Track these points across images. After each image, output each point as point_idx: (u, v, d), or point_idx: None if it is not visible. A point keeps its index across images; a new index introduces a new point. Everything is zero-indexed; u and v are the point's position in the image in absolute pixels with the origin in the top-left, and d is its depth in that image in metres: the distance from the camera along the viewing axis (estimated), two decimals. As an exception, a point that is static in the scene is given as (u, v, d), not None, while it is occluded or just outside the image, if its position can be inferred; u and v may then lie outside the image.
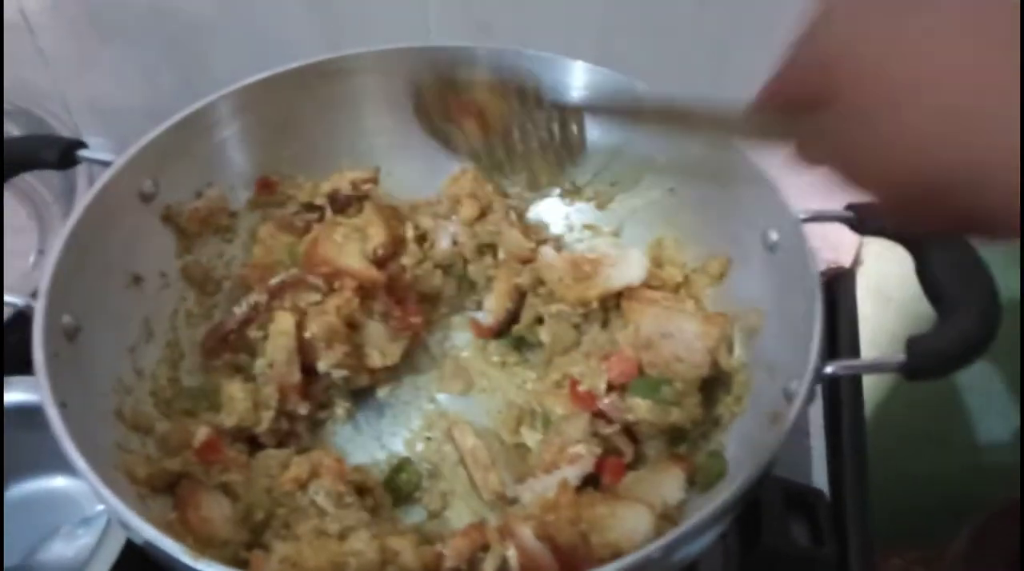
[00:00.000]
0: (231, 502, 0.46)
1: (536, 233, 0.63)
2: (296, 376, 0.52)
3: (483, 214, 0.63)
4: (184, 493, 0.45)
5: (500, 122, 0.46)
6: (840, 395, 0.69)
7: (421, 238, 0.62)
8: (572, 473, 0.50)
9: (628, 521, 0.45)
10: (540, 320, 0.60)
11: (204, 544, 0.43)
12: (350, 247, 0.58)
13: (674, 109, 0.38)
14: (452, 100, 0.47)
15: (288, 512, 0.47)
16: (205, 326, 0.57)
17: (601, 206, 0.65)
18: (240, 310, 0.53)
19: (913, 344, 0.42)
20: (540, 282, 0.60)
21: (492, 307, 0.62)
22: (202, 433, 0.47)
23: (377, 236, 0.58)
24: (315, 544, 0.43)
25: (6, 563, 0.53)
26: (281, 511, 0.47)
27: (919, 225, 0.23)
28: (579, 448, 0.51)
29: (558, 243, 0.64)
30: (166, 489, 0.46)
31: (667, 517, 0.46)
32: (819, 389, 0.70)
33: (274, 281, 0.54)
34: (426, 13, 0.76)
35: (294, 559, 0.42)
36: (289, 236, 0.59)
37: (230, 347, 0.54)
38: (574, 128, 0.46)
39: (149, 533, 0.37)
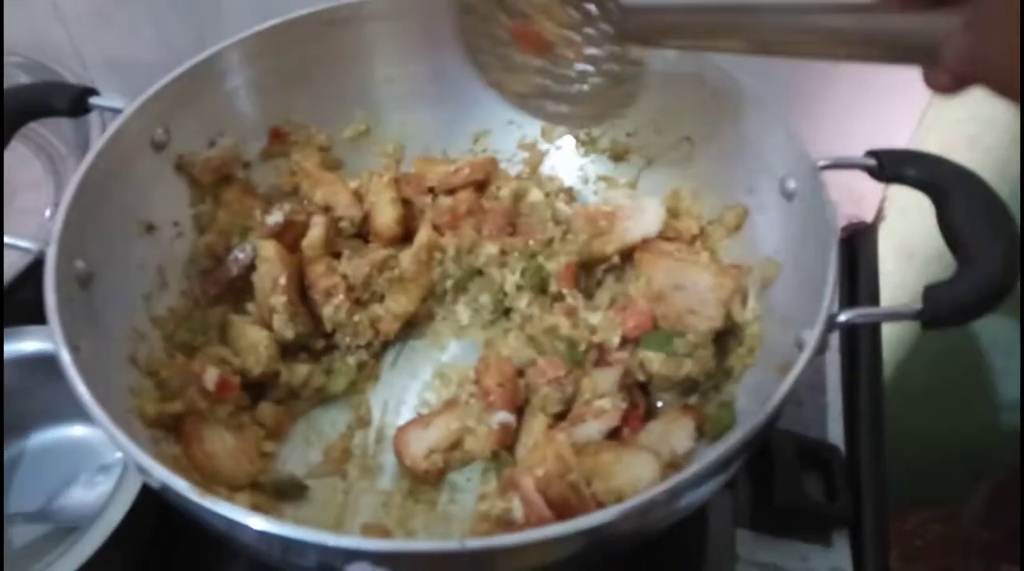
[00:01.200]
0: (234, 437, 0.47)
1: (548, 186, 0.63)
2: (281, 300, 0.52)
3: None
4: (188, 428, 0.46)
5: (558, 45, 0.41)
6: (858, 351, 0.68)
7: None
8: (597, 427, 0.50)
9: (633, 468, 0.45)
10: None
11: (209, 480, 0.43)
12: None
13: (765, 24, 0.34)
14: (504, 20, 0.42)
15: None
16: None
17: (617, 157, 0.64)
18: (242, 255, 0.53)
19: (930, 292, 0.41)
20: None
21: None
22: (212, 374, 0.47)
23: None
24: None
25: (29, 509, 0.54)
26: None
27: None
28: (604, 402, 0.51)
29: (569, 196, 0.63)
30: (176, 429, 0.47)
31: (674, 466, 0.46)
32: (836, 344, 0.69)
33: (271, 220, 0.54)
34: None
35: None
36: (254, 201, 0.59)
37: (234, 294, 0.54)
38: (635, 55, 0.41)
39: (159, 472, 0.37)
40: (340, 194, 0.60)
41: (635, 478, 0.45)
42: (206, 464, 0.44)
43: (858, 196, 0.78)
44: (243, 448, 0.47)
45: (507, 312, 0.59)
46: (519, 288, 0.58)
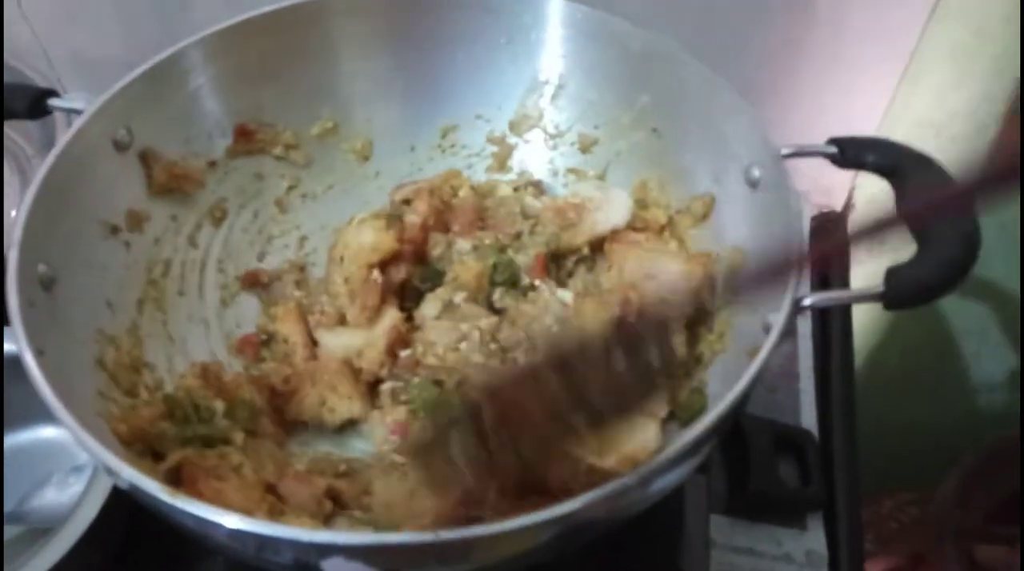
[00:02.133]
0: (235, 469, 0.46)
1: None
2: None
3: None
4: (188, 474, 0.45)
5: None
6: (830, 337, 0.69)
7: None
8: None
9: (638, 433, 0.46)
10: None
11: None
12: None
13: None
14: None
15: None
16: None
17: (585, 149, 0.64)
18: None
19: (892, 274, 0.41)
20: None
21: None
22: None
23: None
24: None
25: (1, 511, 0.54)
26: None
27: None
28: None
29: (538, 189, 0.64)
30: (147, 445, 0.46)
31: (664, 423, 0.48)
32: (809, 331, 0.70)
33: None
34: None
35: None
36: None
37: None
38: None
39: (128, 472, 0.37)
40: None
41: (644, 440, 0.46)
42: (216, 499, 0.43)
43: (827, 187, 0.79)
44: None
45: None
46: (492, 283, 0.58)
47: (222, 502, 0.43)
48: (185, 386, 0.51)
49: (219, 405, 0.49)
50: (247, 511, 0.44)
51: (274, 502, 0.47)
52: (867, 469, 0.63)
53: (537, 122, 0.65)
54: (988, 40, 0.66)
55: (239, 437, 0.49)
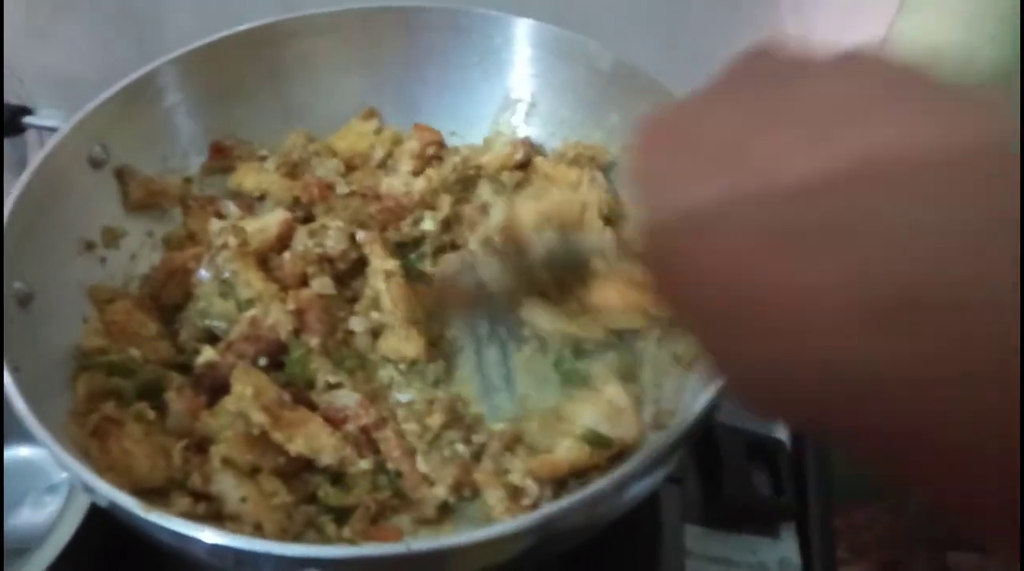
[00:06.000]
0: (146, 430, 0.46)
1: None
2: None
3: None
4: (103, 427, 0.45)
5: None
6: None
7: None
8: None
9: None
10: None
11: (124, 477, 0.43)
12: None
13: None
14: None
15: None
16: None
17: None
18: None
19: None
20: None
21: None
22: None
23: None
24: None
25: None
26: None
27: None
28: None
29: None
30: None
31: None
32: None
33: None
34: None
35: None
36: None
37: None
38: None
39: (106, 490, 0.37)
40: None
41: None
42: (122, 461, 0.43)
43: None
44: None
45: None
46: None
47: (127, 463, 0.44)
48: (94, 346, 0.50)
49: (135, 351, 0.49)
50: (149, 472, 0.45)
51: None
52: (839, 480, 0.64)
53: (511, 139, 0.66)
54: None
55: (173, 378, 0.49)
